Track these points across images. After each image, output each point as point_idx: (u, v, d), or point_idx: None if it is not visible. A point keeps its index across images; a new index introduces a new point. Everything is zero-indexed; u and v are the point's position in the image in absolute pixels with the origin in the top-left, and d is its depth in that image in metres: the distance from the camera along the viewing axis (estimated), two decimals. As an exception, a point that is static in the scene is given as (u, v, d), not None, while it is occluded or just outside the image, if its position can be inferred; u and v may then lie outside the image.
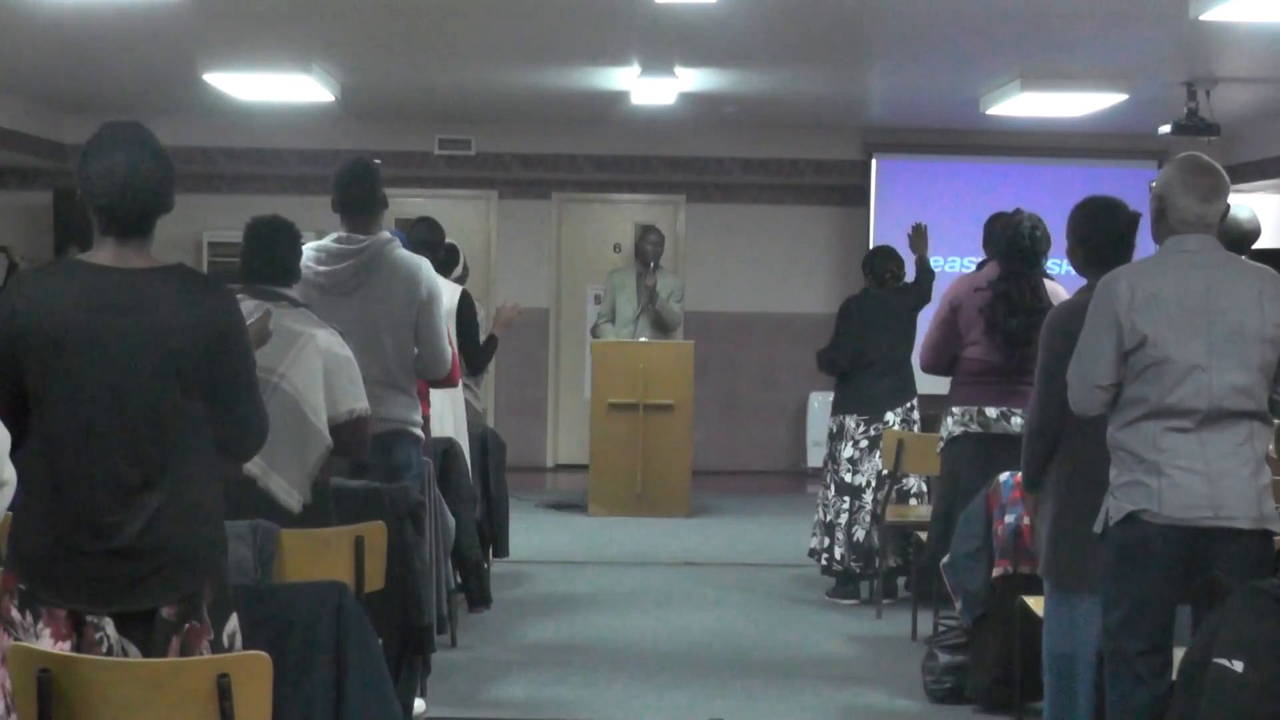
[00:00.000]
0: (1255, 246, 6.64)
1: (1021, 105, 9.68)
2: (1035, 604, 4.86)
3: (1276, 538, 4.09)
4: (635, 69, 9.33)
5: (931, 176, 12.33)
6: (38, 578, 3.15)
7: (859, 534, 7.74)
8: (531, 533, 9.32)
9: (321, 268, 5.25)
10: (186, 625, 3.19)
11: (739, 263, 12.80)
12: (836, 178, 12.63)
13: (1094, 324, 4.11)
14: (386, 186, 5.49)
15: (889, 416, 7.75)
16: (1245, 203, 7.08)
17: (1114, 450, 4.11)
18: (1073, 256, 4.70)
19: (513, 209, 12.86)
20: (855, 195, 12.56)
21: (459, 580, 6.65)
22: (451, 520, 6.15)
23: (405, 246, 5.57)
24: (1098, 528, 4.14)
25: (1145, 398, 4.02)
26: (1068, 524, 4.48)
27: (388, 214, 5.70)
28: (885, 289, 7.91)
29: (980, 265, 6.96)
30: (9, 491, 3.05)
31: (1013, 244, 6.25)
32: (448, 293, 6.58)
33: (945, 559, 5.81)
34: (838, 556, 7.77)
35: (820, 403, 11.78)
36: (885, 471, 7.57)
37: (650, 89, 9.67)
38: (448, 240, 7.44)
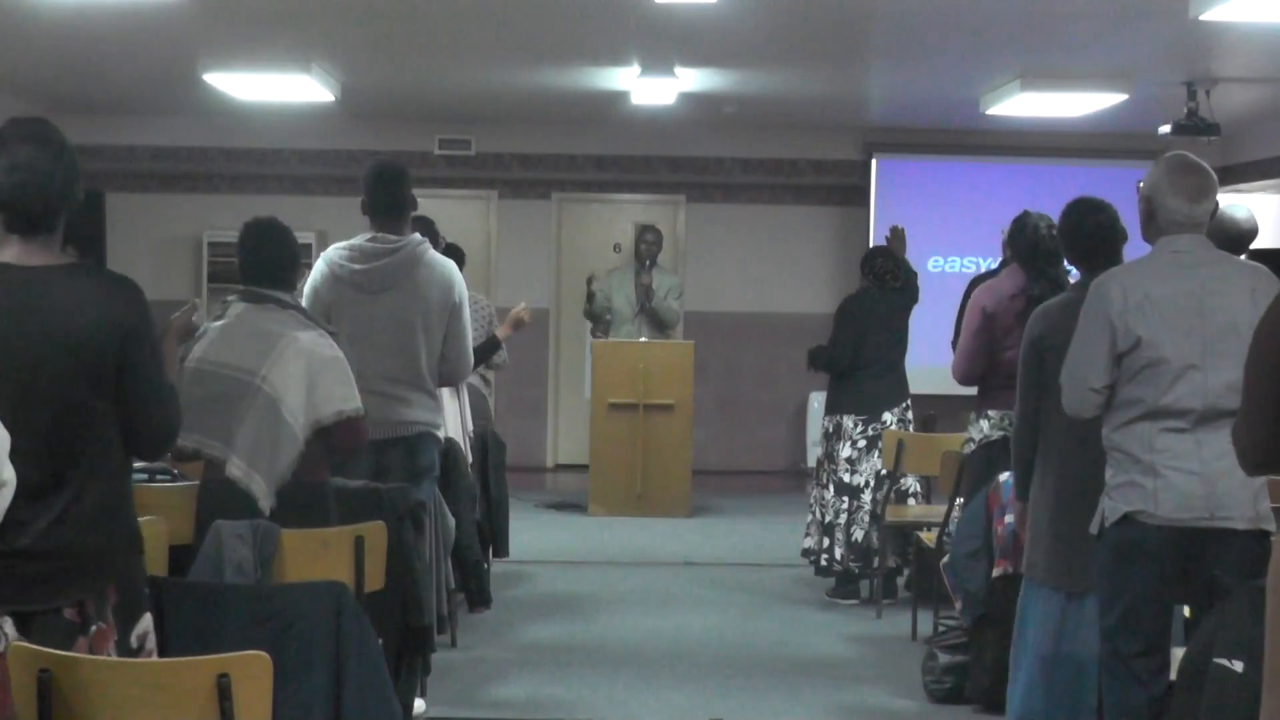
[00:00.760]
0: (1254, 246, 6.64)
1: (1021, 105, 9.68)
2: (1035, 604, 4.87)
3: (1273, 537, 4.09)
4: (635, 69, 9.33)
5: (931, 176, 12.34)
6: None
7: (857, 534, 7.74)
8: (531, 533, 9.31)
9: (355, 265, 5.25)
10: (93, 627, 3.16)
11: (739, 263, 12.81)
12: (836, 178, 12.64)
13: (1087, 327, 4.11)
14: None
15: (886, 416, 7.75)
16: (1244, 203, 7.08)
17: (1109, 451, 4.12)
18: (1068, 256, 4.74)
19: (513, 209, 12.86)
20: (855, 195, 12.57)
21: (459, 580, 6.65)
22: (451, 520, 6.14)
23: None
24: (1094, 529, 4.14)
25: (1140, 399, 4.02)
26: (1064, 526, 4.49)
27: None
28: (884, 289, 7.91)
29: (1002, 264, 6.91)
30: (9, 491, 3.04)
31: (1035, 246, 6.22)
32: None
33: (945, 559, 5.81)
34: (837, 556, 7.77)
35: (820, 403, 11.74)
36: (885, 471, 7.57)
37: (650, 89, 9.68)
38: (451, 241, 7.45)
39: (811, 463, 12.16)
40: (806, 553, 7.98)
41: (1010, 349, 6.32)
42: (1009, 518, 5.39)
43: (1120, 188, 7.86)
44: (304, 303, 5.15)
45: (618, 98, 10.44)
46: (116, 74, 10.11)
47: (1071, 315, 4.27)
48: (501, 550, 7.58)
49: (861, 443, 7.76)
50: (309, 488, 4.43)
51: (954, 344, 6.94)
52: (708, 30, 8.03)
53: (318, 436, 4.38)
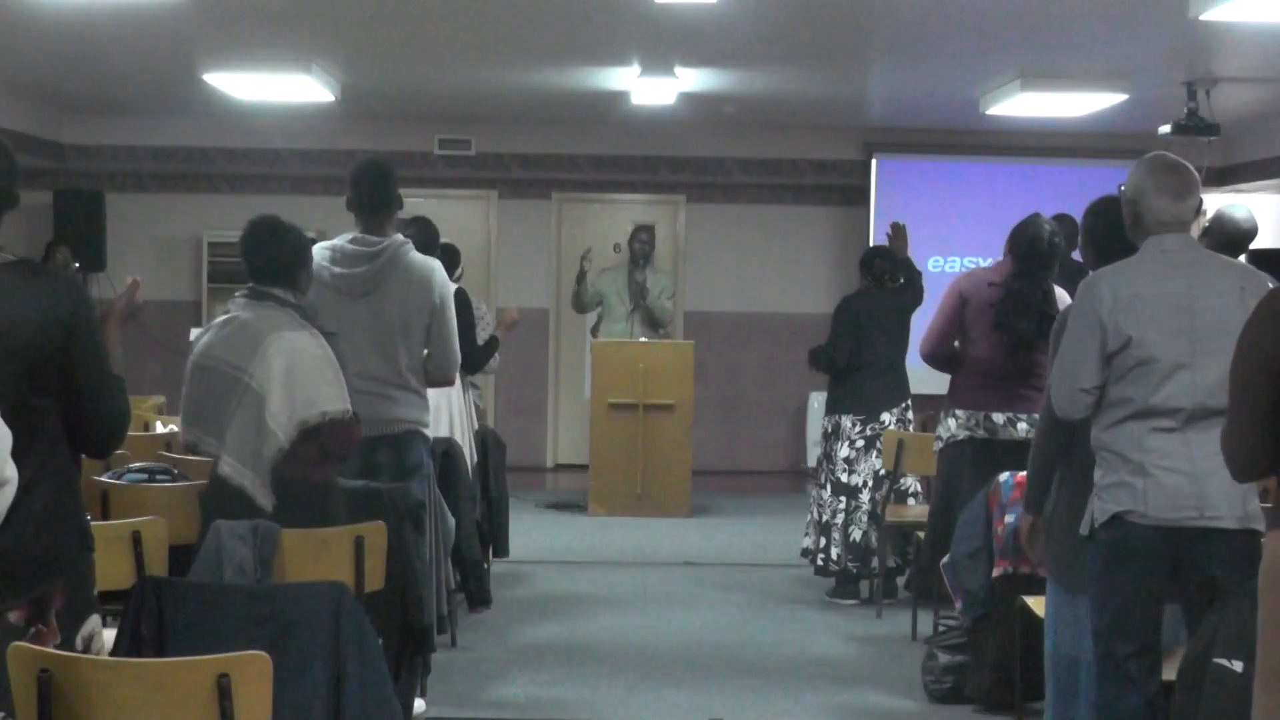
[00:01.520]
0: (1253, 246, 6.64)
1: (1021, 105, 9.68)
2: (1035, 604, 4.85)
3: (1264, 538, 4.08)
4: (635, 69, 9.33)
5: (931, 176, 12.33)
6: None
7: (855, 534, 7.74)
8: (531, 533, 9.32)
9: (337, 269, 5.26)
10: (32, 630, 3.14)
11: (739, 263, 12.81)
12: (836, 178, 12.64)
13: (1077, 327, 4.11)
14: (386, 186, 5.51)
15: (885, 417, 7.75)
16: (1244, 203, 7.08)
17: (1099, 451, 4.11)
18: (1085, 254, 4.71)
19: (513, 209, 12.86)
20: (855, 195, 12.57)
21: (459, 580, 6.66)
22: (451, 520, 6.15)
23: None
24: (1084, 529, 4.13)
25: (1130, 398, 4.02)
26: (1073, 524, 4.48)
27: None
28: (883, 289, 7.91)
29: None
30: (9, 491, 3.03)
31: (1033, 246, 6.24)
32: (447, 292, 6.59)
33: (945, 559, 5.81)
34: (834, 556, 7.77)
35: (820, 403, 11.74)
36: (884, 471, 7.57)
37: (650, 89, 9.68)
38: (449, 241, 7.44)
39: (811, 463, 12.19)
40: (805, 552, 7.99)
41: (977, 342, 6.33)
42: (1009, 518, 5.40)
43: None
44: None
45: (618, 98, 10.44)
46: (116, 74, 10.11)
47: None
48: (501, 550, 7.59)
49: (860, 443, 7.76)
50: (314, 487, 4.43)
51: None
52: (708, 30, 8.03)
53: (308, 437, 4.36)
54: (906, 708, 5.93)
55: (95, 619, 3.28)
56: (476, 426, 7.25)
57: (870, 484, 7.74)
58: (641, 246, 10.43)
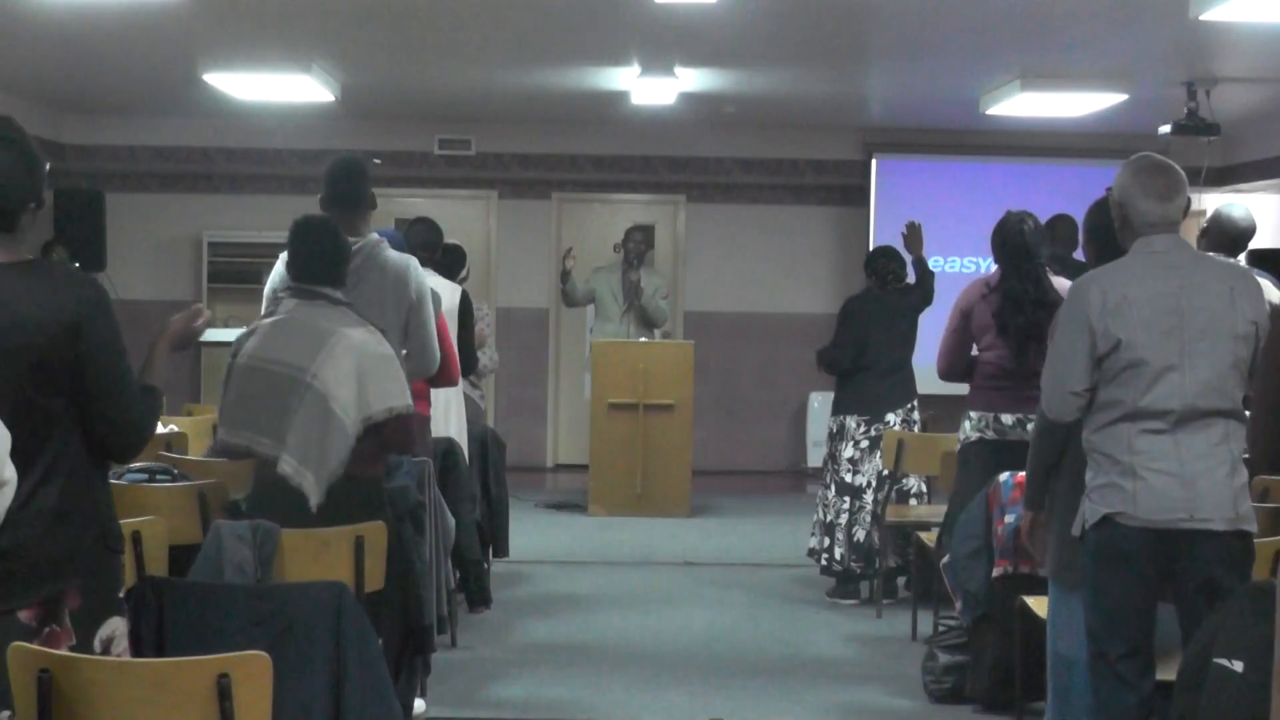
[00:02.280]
0: (1253, 246, 6.64)
1: (1021, 105, 9.69)
2: (1035, 604, 4.85)
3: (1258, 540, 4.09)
4: (635, 69, 9.33)
5: (931, 176, 12.34)
6: None
7: (859, 534, 7.74)
8: (531, 533, 9.32)
9: None
10: (46, 630, 3.13)
11: (739, 263, 12.81)
12: (836, 178, 12.64)
13: (1066, 330, 4.10)
14: (386, 186, 5.52)
15: (890, 417, 7.75)
16: (1243, 202, 7.08)
17: (1089, 453, 4.11)
18: (1086, 253, 4.71)
19: (513, 209, 12.86)
20: (855, 195, 12.57)
21: (459, 580, 6.65)
22: (451, 520, 6.14)
23: (401, 247, 5.58)
24: (1075, 531, 4.13)
25: (1120, 400, 4.02)
26: (1068, 519, 4.48)
27: (388, 214, 5.70)
28: (887, 289, 7.91)
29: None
30: (9, 491, 3.03)
31: (1008, 241, 6.26)
32: (447, 292, 6.60)
33: (945, 559, 5.81)
34: (838, 556, 7.77)
35: (820, 403, 11.78)
36: (886, 472, 7.57)
37: (650, 89, 9.68)
38: (454, 241, 7.45)
39: (812, 463, 12.21)
40: (812, 552, 7.99)
41: (988, 348, 6.35)
42: (1009, 517, 5.40)
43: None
44: (263, 302, 5.17)
45: (618, 98, 10.44)
46: (116, 74, 10.11)
47: None
48: (501, 550, 7.59)
49: (864, 443, 7.76)
50: (363, 482, 4.45)
51: None
52: (708, 30, 8.03)
53: (369, 433, 4.40)
54: (906, 708, 5.92)
55: (116, 621, 3.26)
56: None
57: (874, 484, 7.74)
58: (635, 246, 10.42)
